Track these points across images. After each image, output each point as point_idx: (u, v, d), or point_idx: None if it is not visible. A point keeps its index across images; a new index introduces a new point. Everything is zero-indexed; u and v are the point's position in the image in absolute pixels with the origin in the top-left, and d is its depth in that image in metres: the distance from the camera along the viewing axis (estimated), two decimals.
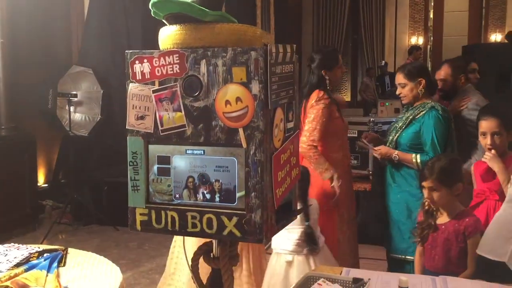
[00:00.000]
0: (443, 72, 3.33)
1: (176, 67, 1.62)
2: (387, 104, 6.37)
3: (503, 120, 2.26)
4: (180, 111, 1.62)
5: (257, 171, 1.56)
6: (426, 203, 2.22)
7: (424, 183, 2.14)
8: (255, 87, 1.55)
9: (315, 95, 2.95)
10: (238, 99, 1.56)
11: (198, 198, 1.63)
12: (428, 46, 11.48)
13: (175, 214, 1.64)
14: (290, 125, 1.82)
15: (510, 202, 1.95)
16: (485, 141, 2.32)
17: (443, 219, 2.19)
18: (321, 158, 2.82)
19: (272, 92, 1.61)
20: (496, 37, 10.61)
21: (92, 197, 5.92)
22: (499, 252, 1.90)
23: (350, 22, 11.60)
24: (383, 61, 10.85)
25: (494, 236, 1.97)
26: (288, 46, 1.80)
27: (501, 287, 1.74)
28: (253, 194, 1.57)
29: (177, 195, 1.65)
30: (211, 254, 1.71)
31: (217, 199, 1.61)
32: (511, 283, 1.79)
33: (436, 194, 2.13)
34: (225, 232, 1.59)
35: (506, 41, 8.41)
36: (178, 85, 1.62)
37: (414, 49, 9.62)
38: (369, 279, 1.53)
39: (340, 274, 1.79)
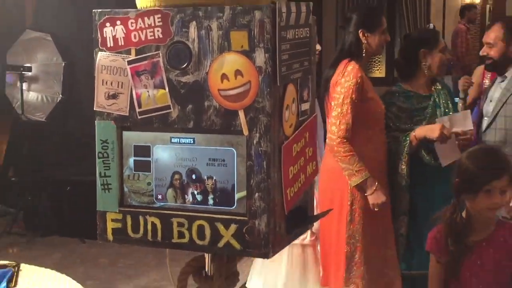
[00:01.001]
0: (492, 35, 3.30)
1: (158, 31, 1.63)
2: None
3: None
4: (163, 88, 1.63)
5: (262, 165, 1.57)
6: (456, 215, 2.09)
7: (496, 183, 1.99)
8: (260, 57, 1.56)
9: (342, 66, 2.93)
10: (237, 72, 1.57)
11: (187, 200, 1.64)
12: (488, 6, 11.41)
13: (156, 221, 1.66)
14: (306, 106, 1.83)
15: None
16: None
17: (479, 234, 2.09)
18: (353, 157, 2.80)
19: (282, 64, 1.61)
20: None
21: (52, 201, 5.95)
22: None
23: None
24: (431, 24, 10.76)
25: None
26: (303, 5, 1.80)
27: None
28: (256, 195, 1.58)
29: (160, 196, 1.67)
30: (203, 271, 1.73)
31: (211, 201, 1.62)
32: None
33: (506, 197, 2.02)
34: (221, 244, 1.60)
35: None
36: (160, 55, 1.63)
37: (466, 9, 9.57)
38: None
39: None
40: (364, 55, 3.01)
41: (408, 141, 3.03)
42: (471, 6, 9.99)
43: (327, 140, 2.91)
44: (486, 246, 2.06)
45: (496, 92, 3.31)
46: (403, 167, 3.03)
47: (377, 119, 2.96)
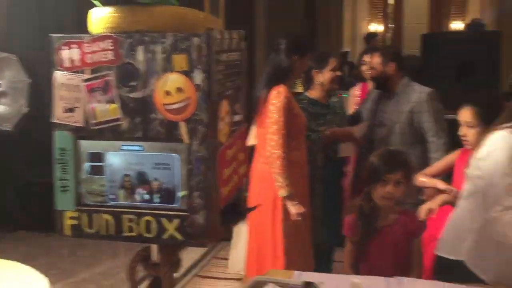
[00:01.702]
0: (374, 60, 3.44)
1: (109, 53, 1.59)
2: (345, 95, 6.49)
3: (479, 111, 2.27)
4: (115, 103, 1.60)
5: (201, 168, 1.56)
6: (364, 203, 2.11)
7: (390, 175, 2.06)
8: (198, 76, 1.55)
9: (273, 87, 2.90)
10: (179, 89, 1.55)
11: (136, 199, 1.61)
12: (388, 34, 11.78)
13: (109, 217, 1.62)
14: (237, 118, 1.82)
15: (466, 198, 2.03)
16: (460, 131, 2.35)
17: (385, 220, 2.13)
18: (286, 172, 2.79)
19: (217, 82, 1.61)
20: (457, 25, 11.02)
21: (20, 200, 5.73)
22: (457, 251, 1.98)
23: (306, 7, 11.74)
24: (346, 50, 10.99)
25: (453, 235, 2.04)
26: (235, 32, 1.80)
27: (461, 287, 1.82)
28: (196, 193, 1.57)
29: (112, 196, 1.62)
30: (150, 260, 1.70)
31: (157, 199, 1.60)
32: (470, 283, 1.87)
33: (401, 189, 2.08)
34: (166, 236, 1.58)
35: (467, 29, 8.77)
36: (112, 74, 1.59)
37: (371, 36, 9.82)
38: (322, 282, 1.57)
39: (291, 277, 1.82)
40: (291, 77, 3.01)
41: (320, 139, 3.15)
42: (375, 34, 10.27)
43: (267, 152, 2.86)
44: (389, 230, 2.11)
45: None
46: (319, 161, 3.14)
47: (301, 129, 2.97)
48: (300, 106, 3.08)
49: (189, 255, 3.72)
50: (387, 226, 2.11)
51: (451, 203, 2.28)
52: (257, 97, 2.92)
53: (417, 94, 3.17)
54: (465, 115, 2.30)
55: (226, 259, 3.77)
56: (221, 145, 1.66)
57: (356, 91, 4.39)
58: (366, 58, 3.96)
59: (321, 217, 3.13)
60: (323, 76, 3.20)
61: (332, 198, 3.24)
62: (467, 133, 2.31)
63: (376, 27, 11.64)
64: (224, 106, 1.68)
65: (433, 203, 2.32)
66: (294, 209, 2.78)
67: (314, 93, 3.25)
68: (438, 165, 2.62)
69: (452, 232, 2.04)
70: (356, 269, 2.12)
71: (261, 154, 2.92)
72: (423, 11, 11.46)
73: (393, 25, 11.63)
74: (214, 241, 1.62)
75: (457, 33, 9.36)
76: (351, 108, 4.07)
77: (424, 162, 2.94)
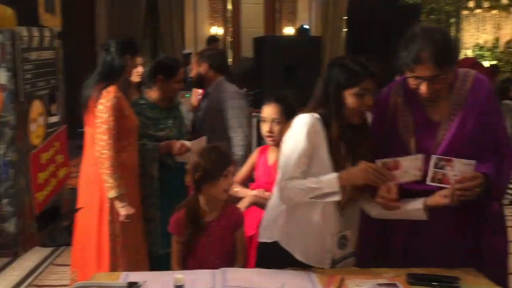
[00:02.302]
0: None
1: None
2: (187, 96, 6.49)
3: (284, 108, 2.42)
4: None
5: (10, 173, 1.44)
6: (195, 202, 2.16)
7: (230, 168, 2.13)
8: (3, 76, 1.42)
9: (102, 87, 2.78)
10: None
11: None
12: (228, 37, 12.07)
13: None
14: (54, 119, 1.72)
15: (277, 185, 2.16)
16: (264, 127, 2.49)
17: (211, 215, 2.17)
18: (116, 174, 2.68)
19: (26, 82, 1.49)
20: (289, 30, 11.69)
21: None
22: (273, 233, 2.09)
23: (148, 9, 11.54)
24: (187, 50, 11.00)
25: (268, 219, 2.15)
26: (47, 30, 1.69)
27: (279, 271, 1.93)
28: (5, 201, 1.44)
29: None
30: None
31: None
32: (289, 265, 2.00)
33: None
34: None
35: (297, 34, 9.35)
36: None
37: (212, 39, 9.99)
38: (145, 281, 1.54)
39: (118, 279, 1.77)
40: (123, 77, 2.91)
41: (157, 150, 3.02)
42: (216, 38, 10.44)
43: (96, 152, 2.73)
44: (216, 224, 2.15)
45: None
46: (155, 171, 3.02)
47: (131, 130, 2.89)
48: (138, 110, 3.01)
49: (25, 264, 3.41)
50: (214, 221, 2.15)
51: (258, 204, 2.43)
52: (87, 96, 2.80)
53: (225, 93, 3.35)
54: (272, 111, 2.44)
55: (66, 265, 3.55)
56: (34, 148, 1.55)
57: (198, 91, 4.44)
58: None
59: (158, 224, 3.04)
60: (168, 86, 3.14)
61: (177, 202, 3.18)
62: (274, 129, 2.45)
63: (217, 30, 11.84)
64: (37, 106, 1.57)
65: (241, 205, 2.45)
66: (123, 210, 2.71)
67: (154, 97, 3.16)
68: (244, 170, 2.73)
69: (268, 216, 2.15)
70: (184, 265, 2.12)
71: (89, 155, 2.80)
72: (258, 16, 11.95)
73: (232, 29, 11.93)
74: (29, 248, 1.50)
75: (284, 37, 9.93)
76: (193, 108, 4.12)
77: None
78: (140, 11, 11.22)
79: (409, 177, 1.92)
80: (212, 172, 2.12)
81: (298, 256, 2.02)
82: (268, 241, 2.08)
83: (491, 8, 11.44)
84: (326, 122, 1.94)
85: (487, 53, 11.60)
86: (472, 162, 1.86)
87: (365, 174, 1.85)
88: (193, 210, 2.13)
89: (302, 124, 1.93)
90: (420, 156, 1.91)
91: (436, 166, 1.88)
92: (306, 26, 9.35)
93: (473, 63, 3.36)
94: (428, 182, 1.89)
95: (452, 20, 11.46)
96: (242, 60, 5.58)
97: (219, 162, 2.14)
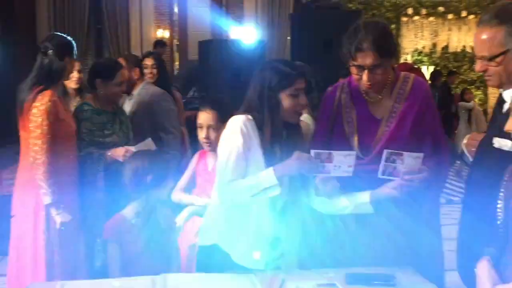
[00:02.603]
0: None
1: None
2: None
3: (220, 113, 2.40)
4: None
5: None
6: None
7: None
8: None
9: (38, 90, 2.67)
10: None
11: None
12: (175, 41, 11.95)
13: None
14: None
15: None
16: (201, 134, 2.47)
17: None
18: (50, 180, 2.57)
19: None
20: (237, 34, 11.70)
21: None
22: (212, 236, 2.08)
23: (92, 10, 11.26)
24: (134, 54, 10.80)
25: (208, 223, 2.15)
26: None
27: (220, 275, 1.92)
28: None
29: None
30: None
31: None
32: (228, 268, 2.00)
33: None
34: None
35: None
36: None
37: (159, 44, 9.88)
38: None
39: None
40: (60, 80, 2.81)
41: (103, 159, 2.91)
42: (163, 43, 10.32)
43: (30, 157, 2.62)
44: None
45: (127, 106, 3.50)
46: (100, 181, 2.90)
47: (68, 136, 2.78)
48: (83, 116, 2.92)
49: None
50: None
51: (198, 213, 2.42)
52: (22, 100, 2.69)
53: (149, 96, 3.44)
54: (207, 118, 2.42)
55: (3, 275, 3.39)
56: None
57: None
58: (147, 61, 4.06)
59: None
60: (108, 89, 3.04)
61: None
62: (210, 135, 2.43)
63: (163, 33, 11.70)
64: None
65: (180, 217, 2.44)
66: (58, 218, 2.61)
67: (97, 102, 3.06)
68: (185, 176, 2.71)
69: (207, 220, 2.15)
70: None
71: (24, 160, 2.69)
72: (205, 19, 11.90)
73: (178, 32, 11.83)
74: None
75: (230, 41, 9.93)
76: None
77: None
78: (84, 13, 10.94)
79: (340, 172, 1.96)
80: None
81: (236, 259, 2.03)
82: (208, 243, 2.07)
83: (428, 15, 11.89)
84: (259, 124, 1.97)
85: (425, 58, 12.05)
86: (421, 155, 1.94)
87: (299, 163, 1.88)
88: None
89: (236, 126, 1.94)
90: (353, 153, 1.97)
91: (387, 160, 1.94)
92: (254, 30, 9.40)
93: (411, 67, 3.48)
94: (380, 176, 1.96)
95: (393, 26, 11.82)
96: (188, 63, 5.54)
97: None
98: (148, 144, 2.97)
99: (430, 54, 12.10)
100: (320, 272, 1.98)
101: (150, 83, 3.60)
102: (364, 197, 2.00)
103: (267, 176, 1.88)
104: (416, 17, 11.88)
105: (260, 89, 1.97)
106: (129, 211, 2.15)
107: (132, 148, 2.90)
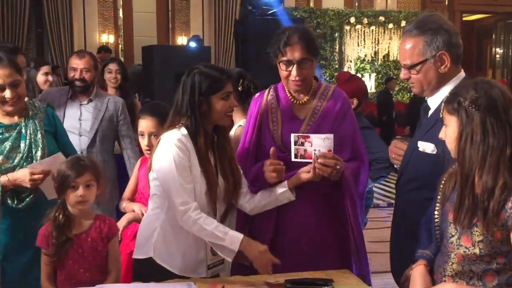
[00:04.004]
0: (86, 63, 3.32)
1: None
2: None
3: (161, 120, 2.33)
4: None
5: None
6: (58, 213, 1.99)
7: (78, 180, 1.95)
8: None
9: None
10: None
11: None
12: (120, 46, 11.72)
13: None
14: None
15: (150, 199, 2.10)
16: (143, 141, 2.40)
17: (80, 227, 2.04)
18: None
19: None
20: (183, 39, 11.61)
21: None
22: (147, 249, 2.04)
23: (33, 14, 10.88)
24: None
25: (142, 236, 2.09)
26: None
27: (158, 285, 1.87)
28: None
29: None
30: None
31: None
32: (166, 279, 1.95)
33: (93, 191, 1.99)
34: None
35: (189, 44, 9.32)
36: None
37: (103, 49, 9.65)
38: None
39: None
40: None
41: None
42: (107, 48, 10.08)
43: None
44: (85, 237, 2.02)
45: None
46: None
47: None
48: None
49: None
50: (83, 233, 2.02)
51: (138, 220, 2.35)
52: None
53: (113, 103, 3.29)
54: (149, 125, 2.36)
55: None
56: None
57: None
58: (112, 66, 3.99)
59: None
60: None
61: None
62: (152, 143, 2.32)
63: (108, 38, 11.46)
64: None
65: (119, 224, 2.36)
66: None
67: None
68: (130, 184, 2.64)
69: (141, 233, 2.10)
70: (54, 279, 1.99)
71: None
72: (151, 24, 11.75)
73: (124, 37, 11.63)
74: None
75: (174, 47, 9.94)
76: None
77: None
78: (24, 16, 10.56)
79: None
80: (62, 182, 1.98)
81: (175, 270, 1.99)
82: (143, 257, 2.03)
83: (370, 24, 12.24)
84: (192, 133, 1.96)
85: (367, 66, 12.38)
86: (330, 136, 2.03)
87: (260, 257, 1.94)
88: (58, 222, 1.99)
89: (171, 145, 1.94)
90: (330, 136, 2.03)
91: (296, 143, 2.05)
92: (198, 36, 9.36)
93: (350, 76, 3.56)
94: (293, 159, 2.05)
95: (336, 34, 12.10)
96: (131, 68, 5.43)
97: (69, 172, 1.98)
98: (57, 159, 2.30)
99: (372, 62, 12.44)
100: (259, 278, 1.97)
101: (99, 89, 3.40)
102: (282, 187, 2.10)
103: (232, 240, 1.91)
104: (358, 26, 12.20)
105: (190, 95, 1.96)
106: None
107: (38, 166, 2.29)
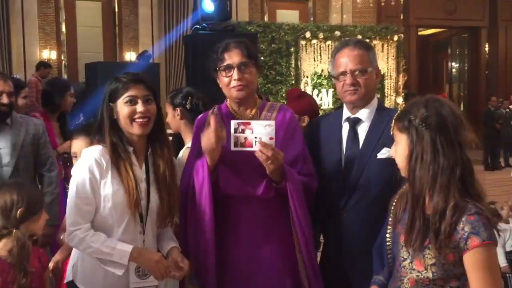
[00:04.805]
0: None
1: None
2: None
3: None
4: None
5: None
6: None
7: None
8: None
9: None
10: None
11: None
12: (63, 62, 11.48)
13: None
14: None
15: None
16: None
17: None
18: None
19: None
20: (131, 55, 11.47)
21: None
22: (71, 273, 2.05)
23: None
24: (16, 75, 10.23)
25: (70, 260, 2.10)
26: None
27: None
28: None
29: None
30: None
31: None
32: None
33: None
34: None
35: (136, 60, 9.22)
36: None
37: (42, 65, 9.42)
38: None
39: None
40: None
41: None
42: (47, 64, 9.85)
43: None
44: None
45: None
46: None
47: None
48: None
49: None
50: None
51: None
52: None
53: (33, 125, 3.12)
54: (83, 145, 2.32)
55: None
56: None
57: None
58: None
59: None
60: None
61: None
62: None
63: (50, 54, 11.19)
64: None
65: (58, 257, 2.34)
66: None
67: None
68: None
69: (72, 254, 2.12)
70: None
71: None
72: (97, 39, 11.56)
73: (67, 53, 11.39)
74: None
75: (119, 63, 9.84)
76: None
77: None
78: None
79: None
80: (33, 205, 2.02)
81: None
82: (66, 281, 2.05)
83: (325, 39, 12.47)
84: (107, 144, 1.95)
85: (324, 81, 12.57)
86: (272, 122, 2.00)
87: (156, 267, 1.91)
88: None
89: (82, 163, 1.94)
90: (272, 123, 1.99)
91: (236, 131, 1.98)
92: (148, 52, 9.27)
93: (300, 93, 3.60)
94: (232, 148, 1.99)
95: (292, 49, 12.25)
96: (74, 86, 5.29)
97: (37, 195, 2.06)
98: None
99: (329, 77, 12.65)
100: None
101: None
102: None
103: (121, 254, 1.88)
104: (314, 41, 12.40)
105: (103, 103, 1.97)
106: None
107: None
